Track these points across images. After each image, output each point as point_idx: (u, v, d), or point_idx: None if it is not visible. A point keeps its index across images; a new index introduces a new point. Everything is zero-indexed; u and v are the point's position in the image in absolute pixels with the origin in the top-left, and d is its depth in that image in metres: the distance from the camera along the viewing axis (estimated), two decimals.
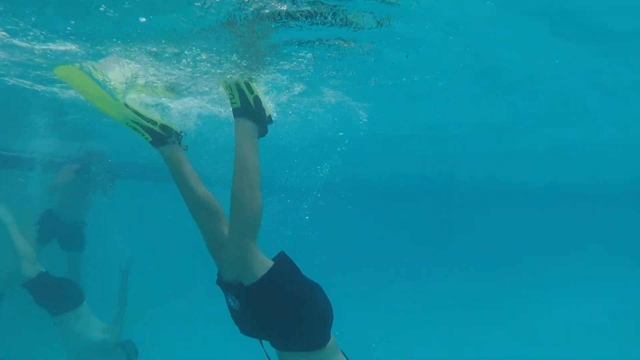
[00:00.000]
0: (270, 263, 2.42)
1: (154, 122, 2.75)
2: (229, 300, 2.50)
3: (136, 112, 2.78)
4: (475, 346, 13.64)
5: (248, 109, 2.58)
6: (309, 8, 2.79)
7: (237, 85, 2.66)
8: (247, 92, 2.62)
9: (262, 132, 2.64)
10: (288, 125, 6.74)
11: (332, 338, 2.50)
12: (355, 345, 3.68)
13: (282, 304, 2.36)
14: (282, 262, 2.48)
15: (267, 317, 2.40)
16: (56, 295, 5.66)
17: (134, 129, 2.77)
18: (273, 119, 2.86)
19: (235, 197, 2.40)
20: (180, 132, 2.82)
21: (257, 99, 2.63)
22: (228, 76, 3.63)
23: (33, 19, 2.94)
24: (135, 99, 3.61)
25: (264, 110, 2.65)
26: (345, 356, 2.57)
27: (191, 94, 4.43)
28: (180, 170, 2.67)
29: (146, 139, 2.76)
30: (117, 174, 7.69)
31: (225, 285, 2.51)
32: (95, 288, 6.07)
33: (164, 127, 2.74)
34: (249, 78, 2.76)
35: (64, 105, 5.55)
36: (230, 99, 2.66)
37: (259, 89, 3.07)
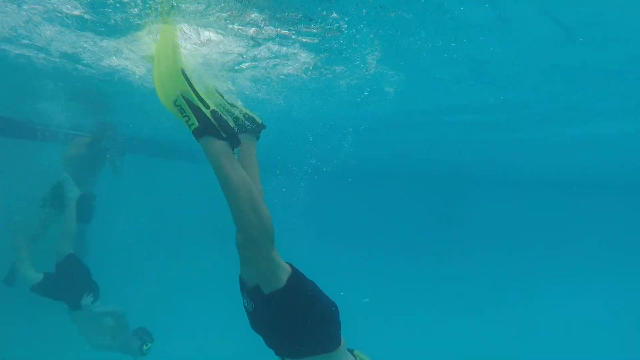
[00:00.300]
0: (289, 267, 2.37)
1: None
2: (244, 301, 2.46)
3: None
4: (476, 335, 13.63)
5: (210, 127, 2.25)
6: None
7: (189, 102, 2.27)
8: (202, 107, 2.27)
9: (234, 143, 2.34)
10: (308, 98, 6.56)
11: (343, 340, 2.48)
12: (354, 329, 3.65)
13: (299, 310, 2.32)
14: (295, 269, 2.43)
15: (281, 323, 2.36)
16: (71, 288, 5.73)
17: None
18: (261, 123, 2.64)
19: (239, 223, 2.22)
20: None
21: (214, 113, 2.29)
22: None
23: None
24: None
25: (225, 121, 2.31)
26: (354, 356, 2.54)
27: None
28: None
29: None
30: (128, 149, 7.75)
31: (243, 287, 2.46)
32: (101, 269, 6.19)
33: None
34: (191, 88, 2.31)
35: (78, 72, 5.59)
36: (186, 120, 2.28)
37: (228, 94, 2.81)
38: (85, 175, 7.11)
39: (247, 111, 2.74)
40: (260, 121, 2.75)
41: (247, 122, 2.72)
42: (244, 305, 2.48)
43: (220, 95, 2.75)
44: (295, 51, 4.54)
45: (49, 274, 5.69)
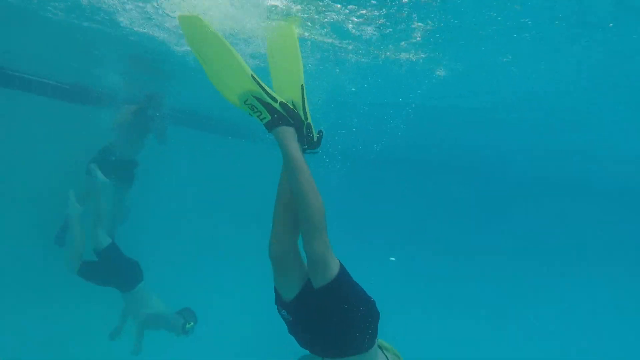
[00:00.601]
0: (337, 260, 2.39)
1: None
2: (282, 312, 2.46)
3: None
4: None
5: (281, 118, 2.44)
6: None
7: (260, 99, 2.44)
8: (272, 102, 2.44)
9: (300, 127, 2.49)
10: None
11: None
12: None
13: (347, 306, 2.32)
14: (341, 263, 2.42)
15: (327, 323, 2.33)
16: (115, 271, 5.89)
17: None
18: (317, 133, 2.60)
19: (304, 202, 2.30)
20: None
21: (284, 105, 2.47)
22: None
23: None
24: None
25: (292, 109, 2.49)
26: (379, 347, 2.54)
27: None
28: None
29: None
30: (173, 120, 7.81)
31: (279, 300, 2.47)
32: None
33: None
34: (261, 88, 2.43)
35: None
36: (258, 115, 2.46)
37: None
38: (129, 142, 7.23)
39: (312, 126, 2.70)
40: (319, 143, 2.66)
41: (284, 112, 2.60)
42: (281, 315, 2.48)
43: (302, 92, 2.68)
44: (353, 25, 4.26)
45: (92, 262, 5.85)
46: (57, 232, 6.92)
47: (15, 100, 8.57)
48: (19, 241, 7.43)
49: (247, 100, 2.44)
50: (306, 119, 2.67)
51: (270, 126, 2.43)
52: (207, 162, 13.90)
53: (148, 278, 6.14)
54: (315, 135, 2.58)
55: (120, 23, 5.02)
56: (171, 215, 11.99)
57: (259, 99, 2.43)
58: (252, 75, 2.43)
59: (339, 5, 3.83)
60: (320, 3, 3.79)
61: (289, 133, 2.41)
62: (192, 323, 5.85)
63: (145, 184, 7.64)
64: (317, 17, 4.09)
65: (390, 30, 4.35)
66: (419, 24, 4.15)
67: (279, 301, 2.47)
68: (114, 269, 5.86)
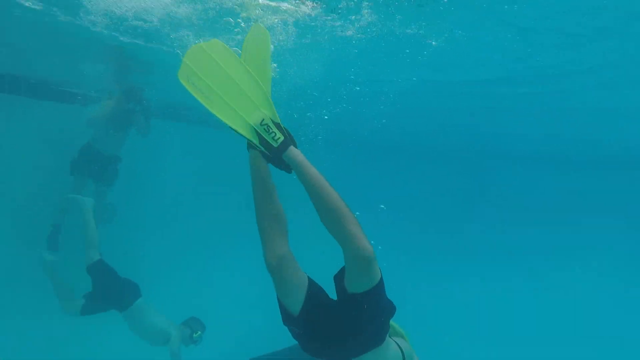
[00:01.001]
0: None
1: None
2: (291, 327, 2.36)
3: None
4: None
5: (290, 138, 2.31)
6: None
7: (273, 121, 2.30)
8: (279, 122, 2.31)
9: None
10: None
11: None
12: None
13: (380, 305, 2.28)
14: None
15: (344, 329, 2.26)
16: (109, 288, 5.67)
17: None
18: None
19: (342, 213, 2.18)
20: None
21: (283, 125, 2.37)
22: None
23: None
24: None
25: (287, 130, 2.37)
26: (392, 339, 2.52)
27: None
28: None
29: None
30: (154, 113, 7.55)
31: (289, 317, 2.33)
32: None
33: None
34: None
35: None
36: (272, 137, 2.27)
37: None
38: (111, 137, 6.98)
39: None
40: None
41: (287, 133, 2.52)
42: (291, 331, 2.38)
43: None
44: None
45: (88, 294, 5.67)
46: (49, 237, 6.49)
47: None
48: (19, 241, 7.17)
49: (263, 120, 2.27)
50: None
51: (284, 146, 2.25)
52: (202, 158, 13.52)
53: (143, 288, 5.93)
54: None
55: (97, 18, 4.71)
56: (163, 216, 11.62)
57: (272, 120, 2.28)
58: (269, 94, 2.32)
59: None
60: None
61: (298, 151, 2.27)
62: (199, 332, 5.80)
63: (136, 184, 7.38)
64: None
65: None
66: None
67: (285, 315, 2.34)
68: (107, 287, 5.64)
